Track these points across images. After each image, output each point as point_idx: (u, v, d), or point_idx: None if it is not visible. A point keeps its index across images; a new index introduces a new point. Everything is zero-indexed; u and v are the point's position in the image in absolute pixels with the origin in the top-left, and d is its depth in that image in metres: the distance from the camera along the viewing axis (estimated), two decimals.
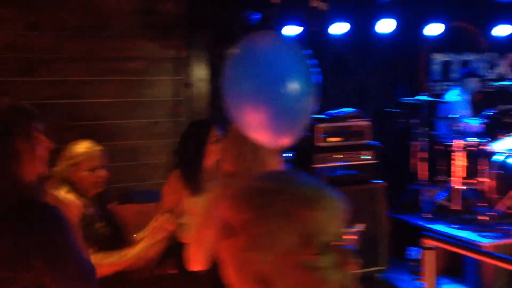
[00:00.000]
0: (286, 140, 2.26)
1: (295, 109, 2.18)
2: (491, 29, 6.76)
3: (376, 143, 5.06)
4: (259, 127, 2.16)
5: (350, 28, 5.71)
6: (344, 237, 1.00)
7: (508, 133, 5.24)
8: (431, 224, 5.17)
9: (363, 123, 5.06)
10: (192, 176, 3.06)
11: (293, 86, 2.14)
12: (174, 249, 2.96)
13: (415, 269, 4.32)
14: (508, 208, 5.16)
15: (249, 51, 2.25)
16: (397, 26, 6.05)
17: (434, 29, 6.35)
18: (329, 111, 5.12)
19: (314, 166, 4.85)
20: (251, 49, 2.25)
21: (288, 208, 0.96)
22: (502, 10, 6.68)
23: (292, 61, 2.24)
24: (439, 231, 5.00)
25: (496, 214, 5.07)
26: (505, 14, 6.70)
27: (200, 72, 5.10)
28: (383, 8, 5.83)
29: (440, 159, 5.61)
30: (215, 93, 4.87)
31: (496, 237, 4.65)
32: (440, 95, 6.41)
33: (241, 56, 2.24)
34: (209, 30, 5.13)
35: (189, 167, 3.09)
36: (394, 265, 4.99)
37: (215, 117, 4.40)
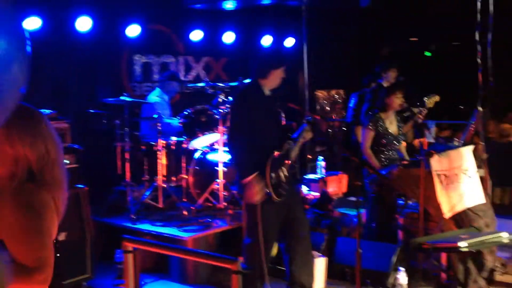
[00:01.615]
0: None
1: None
2: (187, 33, 7.18)
3: (76, 146, 4.82)
4: None
5: (45, 24, 5.33)
6: None
7: (205, 131, 5.60)
8: (137, 224, 5.19)
9: (61, 125, 4.76)
10: None
11: None
12: None
13: (121, 272, 4.26)
14: (207, 201, 5.55)
15: None
16: (96, 25, 5.90)
17: (133, 31, 6.42)
18: None
19: None
20: None
21: None
22: (195, 17, 7.16)
23: None
24: (145, 230, 5.05)
25: (196, 208, 5.39)
26: (198, 20, 7.20)
27: None
28: (79, 5, 5.61)
29: (145, 159, 5.69)
30: None
31: (196, 230, 4.93)
32: (142, 96, 6.52)
33: None
34: None
35: None
36: (103, 270, 4.84)
37: None
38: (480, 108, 4.72)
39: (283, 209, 4.02)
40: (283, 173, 3.99)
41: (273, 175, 3.91)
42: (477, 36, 4.28)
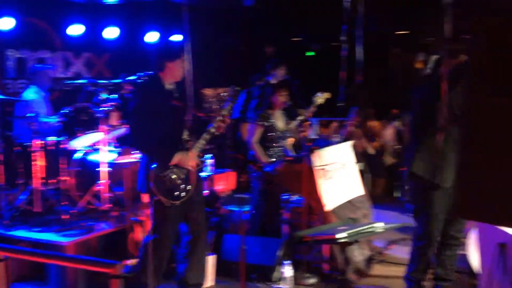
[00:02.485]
0: None
1: None
2: (65, 27, 6.82)
3: None
4: None
5: None
6: None
7: (86, 130, 5.35)
8: (11, 231, 4.83)
9: None
10: None
11: None
12: None
13: None
14: (89, 203, 5.30)
15: None
16: None
17: (6, 24, 5.97)
18: None
19: None
20: None
21: None
22: (75, 10, 6.82)
23: None
24: (20, 237, 4.72)
25: (77, 211, 5.13)
26: (78, 13, 6.86)
27: None
28: None
29: (19, 160, 5.30)
30: None
31: (77, 235, 4.68)
32: (16, 93, 6.08)
33: None
34: None
35: None
36: None
37: None
38: (341, 104, 4.96)
39: (185, 208, 3.97)
40: (178, 174, 3.90)
41: (165, 178, 3.83)
42: (343, 36, 4.48)
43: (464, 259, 4.40)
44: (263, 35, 9.02)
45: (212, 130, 3.99)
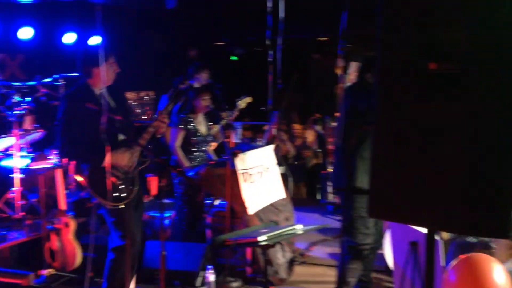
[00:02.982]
0: None
1: None
2: None
3: None
4: None
5: None
6: None
7: None
8: None
9: None
10: None
11: None
12: None
13: None
14: (1, 211, 5.03)
15: None
16: None
17: None
18: None
19: None
20: None
21: None
22: None
23: None
24: None
25: None
26: None
27: None
28: None
29: None
30: None
31: None
32: None
33: None
34: None
35: None
36: None
37: None
38: (263, 108, 5.02)
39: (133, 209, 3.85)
40: (117, 175, 3.76)
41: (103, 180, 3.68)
42: (267, 41, 4.54)
43: (381, 258, 4.57)
44: (187, 38, 8.95)
45: (151, 129, 3.89)
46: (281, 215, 5.14)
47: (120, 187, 3.78)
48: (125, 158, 3.80)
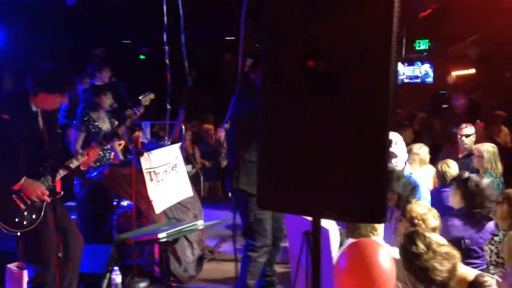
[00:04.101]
0: None
1: None
2: None
3: None
4: None
5: None
6: None
7: None
8: None
9: None
10: None
11: None
12: None
13: None
14: None
15: None
16: None
17: None
18: None
19: None
20: None
21: None
22: None
23: None
24: None
25: None
26: None
27: None
28: None
29: None
30: None
31: None
32: None
33: None
34: None
35: None
36: None
37: None
38: (168, 106, 5.01)
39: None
40: (22, 200, 3.50)
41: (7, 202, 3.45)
42: (164, 37, 4.52)
43: (285, 250, 4.70)
44: (93, 36, 8.72)
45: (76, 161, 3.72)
46: (190, 213, 5.16)
47: (24, 213, 3.53)
48: (36, 189, 3.52)
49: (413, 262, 2.76)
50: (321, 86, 2.00)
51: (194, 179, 8.51)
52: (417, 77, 11.17)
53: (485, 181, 3.89)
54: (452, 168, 4.51)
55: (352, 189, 1.96)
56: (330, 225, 2.86)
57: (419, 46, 10.40)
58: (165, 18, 4.41)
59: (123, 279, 4.33)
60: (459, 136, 5.45)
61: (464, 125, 5.49)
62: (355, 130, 1.93)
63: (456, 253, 2.73)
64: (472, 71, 10.34)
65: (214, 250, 5.49)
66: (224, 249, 5.61)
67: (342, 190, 1.95)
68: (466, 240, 3.69)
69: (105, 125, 5.21)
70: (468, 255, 3.63)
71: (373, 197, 1.93)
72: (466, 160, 5.26)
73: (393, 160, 4.32)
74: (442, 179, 4.59)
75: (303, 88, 2.02)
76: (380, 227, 3.00)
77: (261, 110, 2.08)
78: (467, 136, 5.37)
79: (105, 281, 4.51)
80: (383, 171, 1.95)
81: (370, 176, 1.92)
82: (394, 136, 4.43)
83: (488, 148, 4.90)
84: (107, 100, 5.15)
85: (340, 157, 1.95)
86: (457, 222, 3.82)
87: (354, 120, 1.93)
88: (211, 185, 8.75)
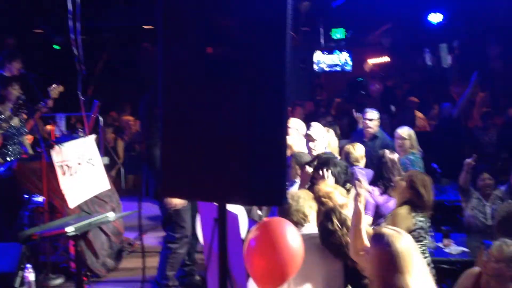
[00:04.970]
0: None
1: None
2: None
3: None
4: None
5: None
6: None
7: None
8: None
9: None
10: None
11: None
12: None
13: None
14: None
15: None
16: None
17: None
18: None
19: None
20: None
21: None
22: None
23: None
24: None
25: None
26: None
27: None
28: None
29: None
30: None
31: None
32: None
33: None
34: None
35: None
36: None
37: None
38: (81, 97, 4.84)
39: None
40: None
41: None
42: (70, 23, 4.34)
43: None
44: (4, 25, 8.26)
45: None
46: (107, 206, 5.04)
47: None
48: None
49: (328, 238, 2.86)
50: (220, 73, 2.02)
51: (116, 172, 8.35)
52: (336, 65, 11.46)
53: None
54: (356, 150, 4.65)
55: (253, 174, 1.99)
56: (239, 211, 2.89)
57: (336, 35, 10.65)
58: (69, 4, 4.22)
59: (36, 276, 4.18)
60: (363, 120, 5.65)
61: (368, 110, 5.70)
62: (254, 117, 1.97)
63: (369, 230, 2.85)
64: (387, 59, 10.72)
65: (133, 243, 5.41)
66: (146, 241, 5.53)
67: (244, 176, 1.98)
68: None
69: (13, 119, 4.97)
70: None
71: (273, 181, 1.98)
72: (371, 143, 5.50)
73: (311, 144, 4.42)
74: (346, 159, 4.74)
75: (203, 75, 2.03)
76: (311, 215, 3.05)
77: (161, 98, 2.07)
78: (371, 120, 5.58)
79: (18, 280, 4.33)
80: (282, 156, 2.00)
81: (270, 161, 1.96)
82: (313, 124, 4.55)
83: (409, 132, 5.22)
84: (15, 92, 4.91)
85: (241, 144, 1.98)
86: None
87: (252, 107, 1.97)
88: (135, 178, 8.59)
